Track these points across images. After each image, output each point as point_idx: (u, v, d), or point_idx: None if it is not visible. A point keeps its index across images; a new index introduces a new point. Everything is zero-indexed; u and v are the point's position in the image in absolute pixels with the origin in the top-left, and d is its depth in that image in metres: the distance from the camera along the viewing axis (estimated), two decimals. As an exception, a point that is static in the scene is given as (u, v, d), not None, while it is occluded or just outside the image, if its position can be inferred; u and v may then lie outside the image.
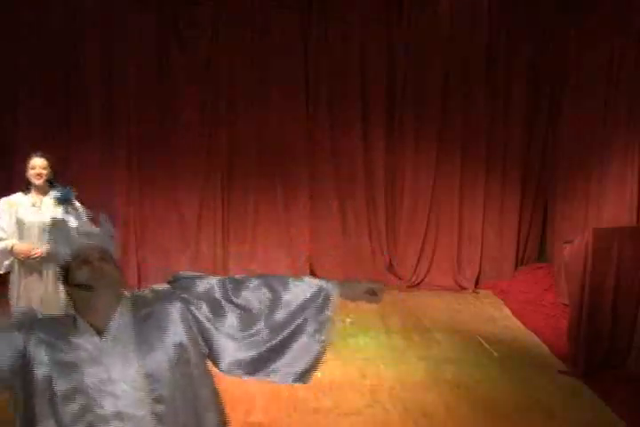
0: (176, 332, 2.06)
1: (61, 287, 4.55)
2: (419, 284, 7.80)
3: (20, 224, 4.50)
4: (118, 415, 1.95)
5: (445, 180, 7.83)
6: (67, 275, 2.03)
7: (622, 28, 6.36)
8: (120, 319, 2.04)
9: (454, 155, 7.79)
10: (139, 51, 7.33)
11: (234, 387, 5.05)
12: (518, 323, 6.55)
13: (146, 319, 2.07)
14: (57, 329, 2.01)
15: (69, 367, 1.95)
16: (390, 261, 7.94)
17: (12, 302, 4.52)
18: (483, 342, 5.94)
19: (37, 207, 4.57)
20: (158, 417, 1.99)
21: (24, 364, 1.95)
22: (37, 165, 4.62)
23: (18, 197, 4.60)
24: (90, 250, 2.05)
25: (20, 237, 4.49)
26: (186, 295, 2.14)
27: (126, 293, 2.14)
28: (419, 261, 7.88)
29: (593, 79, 6.83)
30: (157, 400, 1.99)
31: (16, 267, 4.51)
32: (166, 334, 2.05)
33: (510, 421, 4.49)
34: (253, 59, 7.47)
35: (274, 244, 7.66)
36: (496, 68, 7.70)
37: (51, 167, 4.67)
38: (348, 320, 5.44)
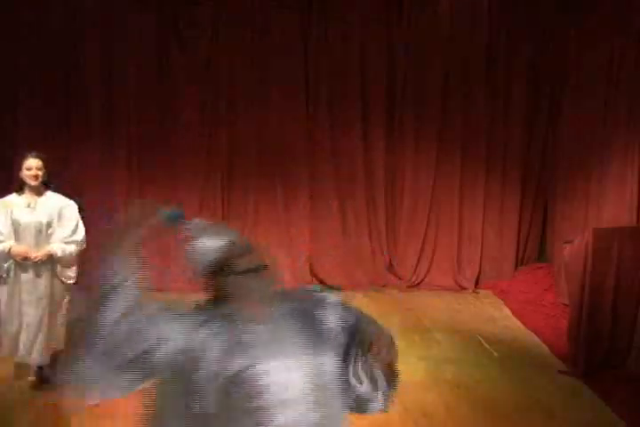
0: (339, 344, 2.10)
1: (58, 287, 4.55)
2: (419, 284, 7.80)
3: (15, 225, 4.49)
4: (283, 403, 1.96)
5: (445, 180, 7.83)
6: (222, 267, 2.03)
7: (622, 28, 6.37)
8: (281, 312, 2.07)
9: (454, 155, 7.79)
10: (139, 51, 7.32)
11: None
12: (518, 323, 6.55)
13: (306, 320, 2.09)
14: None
15: (239, 352, 1.96)
16: (390, 261, 7.93)
17: None
18: (483, 342, 5.94)
19: (32, 208, 4.55)
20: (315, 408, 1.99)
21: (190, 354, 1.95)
22: (33, 166, 4.58)
23: (12, 198, 4.58)
24: (239, 241, 2.07)
25: (16, 238, 4.49)
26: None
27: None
28: (419, 261, 7.88)
29: (593, 79, 6.84)
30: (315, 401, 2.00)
31: (12, 267, 4.51)
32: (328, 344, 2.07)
33: (510, 421, 4.49)
34: (253, 59, 7.46)
35: (274, 244, 7.64)
36: (496, 68, 7.70)
37: (46, 168, 4.62)
38: None
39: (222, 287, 2.05)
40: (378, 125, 7.74)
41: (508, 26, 7.62)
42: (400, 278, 7.81)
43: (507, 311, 6.92)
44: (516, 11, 7.58)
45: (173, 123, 7.48)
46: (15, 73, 7.23)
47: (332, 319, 2.13)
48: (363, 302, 7.17)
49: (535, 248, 8.10)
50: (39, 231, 4.53)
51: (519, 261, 8.00)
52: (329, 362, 2.07)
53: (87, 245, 4.69)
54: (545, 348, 5.85)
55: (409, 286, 7.74)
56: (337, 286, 7.55)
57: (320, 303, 2.17)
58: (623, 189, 6.33)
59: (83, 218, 4.78)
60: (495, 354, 5.66)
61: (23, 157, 4.61)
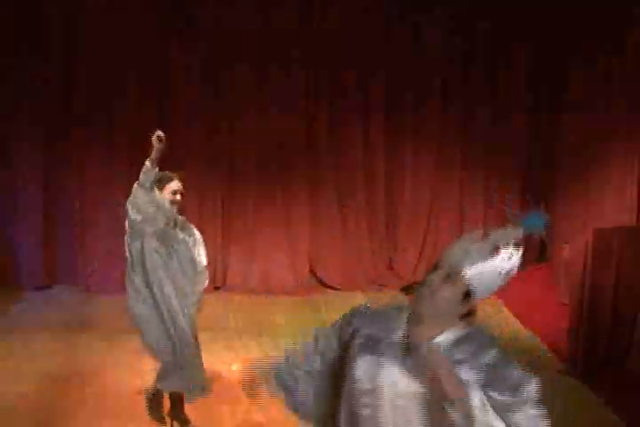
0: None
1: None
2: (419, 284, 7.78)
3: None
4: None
5: (445, 180, 7.83)
6: None
7: (622, 27, 6.37)
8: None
9: (454, 155, 7.79)
10: (139, 51, 7.32)
11: (234, 387, 5.06)
12: (518, 323, 6.54)
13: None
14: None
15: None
16: (390, 261, 7.93)
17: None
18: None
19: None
20: None
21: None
22: (179, 190, 4.38)
23: None
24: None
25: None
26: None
27: None
28: (419, 261, 7.88)
29: (593, 79, 6.83)
30: None
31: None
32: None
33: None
34: (253, 58, 7.46)
35: (274, 244, 7.65)
36: (496, 69, 7.69)
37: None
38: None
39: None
40: (378, 125, 7.74)
41: (509, 25, 7.61)
42: (400, 278, 7.81)
43: (507, 311, 6.92)
44: (516, 10, 7.57)
45: (173, 123, 7.48)
46: (15, 73, 7.23)
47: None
48: (363, 302, 7.18)
49: (535, 248, 8.09)
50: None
51: (519, 262, 7.98)
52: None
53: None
54: (545, 348, 5.84)
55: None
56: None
57: None
58: (623, 189, 6.34)
59: None
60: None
61: (166, 179, 4.44)
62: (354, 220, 7.82)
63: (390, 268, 7.91)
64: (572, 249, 5.44)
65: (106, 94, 7.35)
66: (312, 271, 7.74)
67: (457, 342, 2.14)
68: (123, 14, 7.21)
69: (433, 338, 2.08)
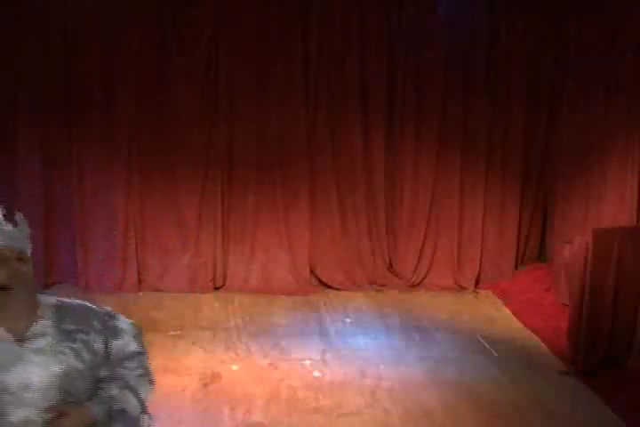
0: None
1: None
2: (419, 284, 7.80)
3: None
4: (27, 423, 1.90)
5: (445, 180, 7.82)
6: None
7: (622, 27, 6.37)
8: (42, 326, 1.98)
9: (454, 155, 7.78)
10: (138, 50, 7.31)
11: (234, 387, 5.07)
12: (518, 323, 6.55)
13: (71, 335, 2.01)
14: None
15: None
16: (390, 261, 7.93)
17: None
18: (483, 341, 5.95)
19: None
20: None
21: None
22: None
23: None
24: (5, 250, 1.97)
25: None
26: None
27: (52, 300, 2.08)
28: (419, 261, 7.87)
29: (593, 79, 6.84)
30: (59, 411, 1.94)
31: None
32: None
33: (510, 421, 4.50)
34: (253, 58, 7.45)
35: (274, 244, 7.65)
36: (496, 69, 7.69)
37: None
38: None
39: None
40: (378, 125, 7.73)
41: (508, 25, 7.61)
42: (400, 278, 7.81)
43: (507, 311, 6.92)
44: (516, 10, 7.58)
45: (173, 123, 7.48)
46: (15, 73, 7.23)
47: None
48: (363, 302, 7.20)
49: (535, 248, 8.10)
50: None
51: (519, 262, 7.99)
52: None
53: None
54: (545, 348, 5.85)
55: (409, 286, 7.74)
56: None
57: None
58: (623, 189, 6.33)
59: None
60: (495, 354, 5.67)
61: None
62: (354, 220, 7.82)
63: (390, 268, 7.91)
64: (572, 249, 5.43)
65: (106, 94, 7.35)
66: (312, 271, 7.74)
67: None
68: (123, 14, 7.21)
69: None
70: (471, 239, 7.88)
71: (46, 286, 7.43)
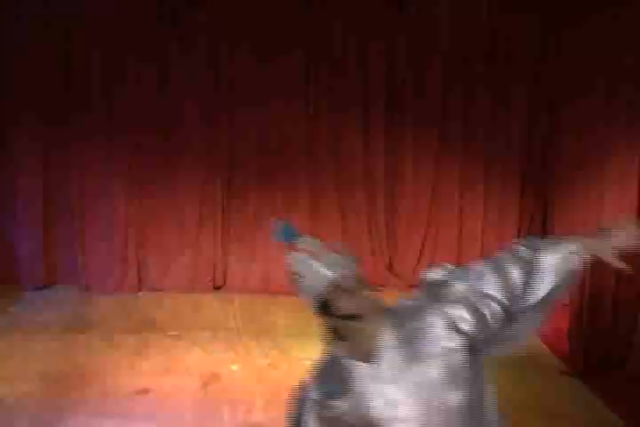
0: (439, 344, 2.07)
1: None
2: (419, 284, 7.78)
3: None
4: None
5: (445, 180, 7.82)
6: (325, 307, 2.01)
7: (622, 27, 6.36)
8: (387, 344, 2.04)
9: (454, 155, 7.79)
10: (138, 51, 7.31)
11: (234, 387, 5.07)
12: (518, 323, 6.53)
13: (410, 338, 2.07)
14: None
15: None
16: (390, 261, 7.93)
17: None
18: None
19: None
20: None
21: None
22: None
23: None
24: (346, 278, 2.06)
25: None
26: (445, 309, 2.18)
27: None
28: (419, 261, 7.87)
29: (593, 79, 6.83)
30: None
31: None
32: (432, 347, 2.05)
33: (510, 421, 4.49)
34: (253, 59, 7.45)
35: (274, 244, 7.62)
36: (496, 68, 7.69)
37: None
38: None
39: (328, 327, 2.05)
40: (378, 125, 7.74)
41: (508, 26, 7.61)
42: (400, 278, 7.81)
43: (507, 311, 6.91)
44: (516, 10, 7.58)
45: (173, 123, 7.48)
46: (15, 73, 7.23)
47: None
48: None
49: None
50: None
51: (519, 261, 7.98)
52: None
53: None
54: (545, 348, 5.85)
55: (409, 286, 7.73)
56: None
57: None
58: (623, 189, 6.32)
59: None
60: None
61: None
62: (354, 220, 7.82)
63: (390, 268, 7.91)
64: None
65: (106, 95, 7.35)
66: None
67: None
68: (122, 14, 7.21)
69: None
70: (471, 239, 7.88)
71: (46, 286, 7.46)
